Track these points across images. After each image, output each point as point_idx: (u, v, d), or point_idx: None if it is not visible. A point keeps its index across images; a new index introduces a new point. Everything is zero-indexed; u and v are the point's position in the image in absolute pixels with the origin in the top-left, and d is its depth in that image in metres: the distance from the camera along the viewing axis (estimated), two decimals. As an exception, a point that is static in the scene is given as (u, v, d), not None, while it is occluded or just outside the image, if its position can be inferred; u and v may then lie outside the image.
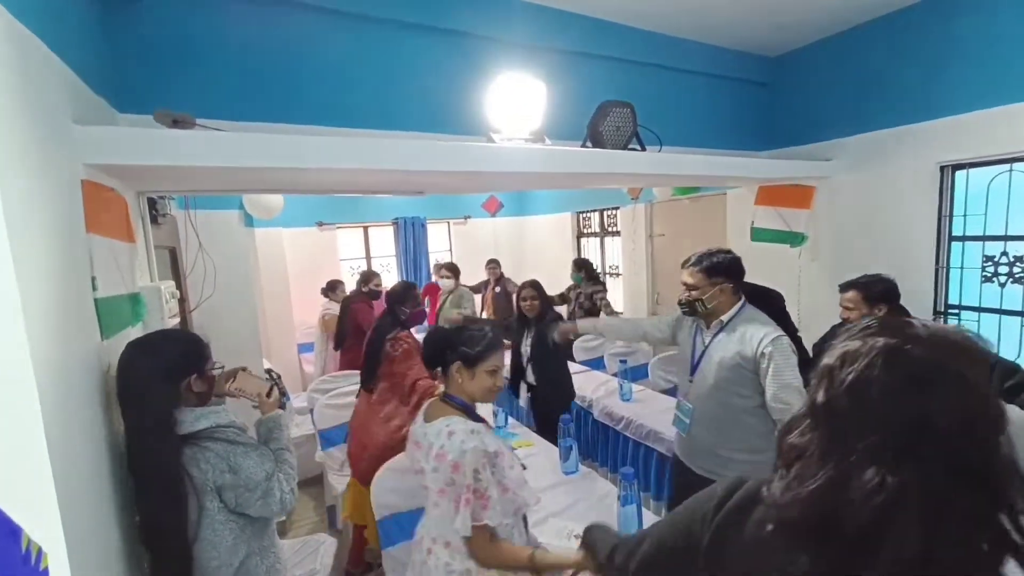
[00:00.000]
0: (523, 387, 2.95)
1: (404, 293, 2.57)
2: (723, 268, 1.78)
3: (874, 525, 0.53)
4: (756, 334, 1.71)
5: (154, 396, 1.15)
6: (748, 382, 1.73)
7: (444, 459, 1.24)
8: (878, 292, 2.07)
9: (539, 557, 1.26)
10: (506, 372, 3.54)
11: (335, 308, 4.41)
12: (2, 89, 0.83)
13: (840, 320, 2.14)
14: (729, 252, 1.83)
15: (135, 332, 1.50)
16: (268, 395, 1.44)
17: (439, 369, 1.41)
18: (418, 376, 2.31)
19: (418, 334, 2.53)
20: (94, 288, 1.18)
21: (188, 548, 1.14)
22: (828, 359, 0.61)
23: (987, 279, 2.57)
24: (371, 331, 2.58)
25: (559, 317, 3.33)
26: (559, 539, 1.66)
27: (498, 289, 5.01)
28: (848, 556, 0.54)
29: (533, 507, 1.40)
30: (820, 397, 0.60)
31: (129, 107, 1.65)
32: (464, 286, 4.79)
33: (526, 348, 2.90)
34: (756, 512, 0.65)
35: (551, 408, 2.75)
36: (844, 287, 2.17)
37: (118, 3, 1.64)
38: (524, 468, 1.48)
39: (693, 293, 1.79)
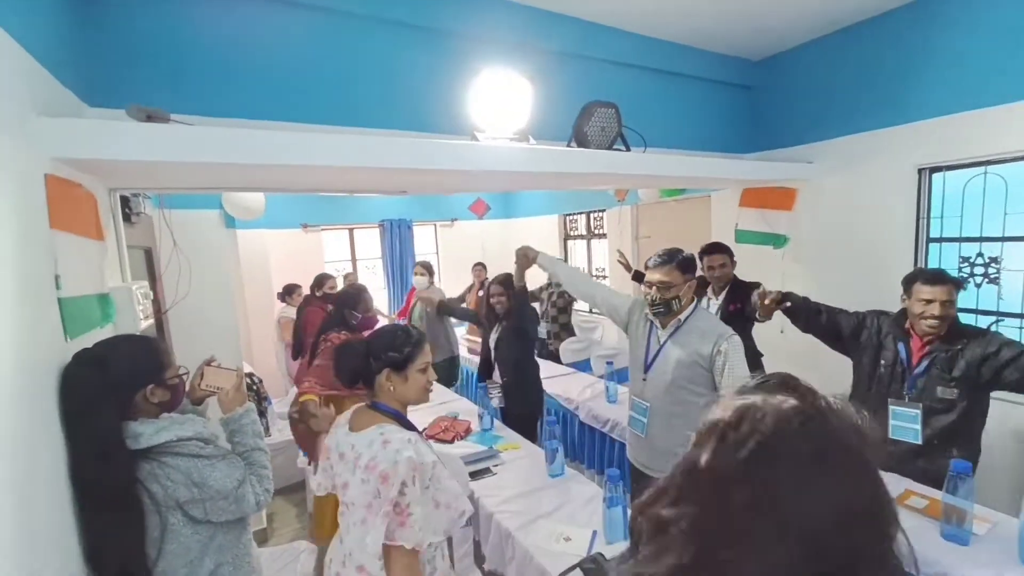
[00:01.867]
0: (496, 388, 2.90)
1: (356, 296, 2.41)
2: (692, 265, 1.83)
3: None
4: (713, 331, 1.76)
5: (100, 414, 1.07)
6: (703, 379, 1.77)
7: (374, 470, 1.10)
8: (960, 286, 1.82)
9: None
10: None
11: (291, 312, 4.28)
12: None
13: (925, 318, 1.75)
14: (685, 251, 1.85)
15: (104, 333, 1.44)
16: (237, 387, 1.33)
17: (360, 384, 1.28)
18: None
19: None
20: (58, 287, 1.13)
21: (147, 568, 1.07)
22: (718, 412, 0.49)
23: (964, 280, 2.62)
24: (317, 333, 2.42)
25: (535, 314, 3.35)
26: (549, 542, 1.64)
27: (482, 293, 4.99)
28: None
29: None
30: (705, 459, 0.47)
31: (100, 101, 1.60)
32: (437, 288, 4.70)
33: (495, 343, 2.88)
34: None
35: (516, 405, 2.77)
36: (933, 279, 1.76)
37: (89, -6, 1.59)
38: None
39: (671, 291, 1.78)
